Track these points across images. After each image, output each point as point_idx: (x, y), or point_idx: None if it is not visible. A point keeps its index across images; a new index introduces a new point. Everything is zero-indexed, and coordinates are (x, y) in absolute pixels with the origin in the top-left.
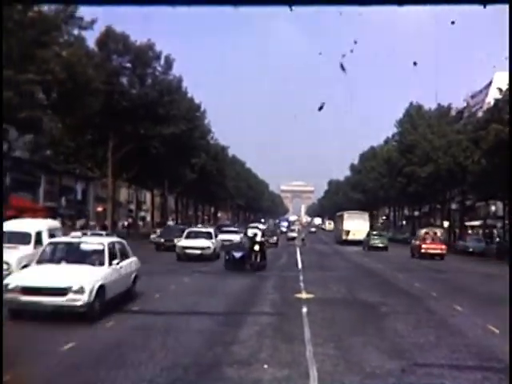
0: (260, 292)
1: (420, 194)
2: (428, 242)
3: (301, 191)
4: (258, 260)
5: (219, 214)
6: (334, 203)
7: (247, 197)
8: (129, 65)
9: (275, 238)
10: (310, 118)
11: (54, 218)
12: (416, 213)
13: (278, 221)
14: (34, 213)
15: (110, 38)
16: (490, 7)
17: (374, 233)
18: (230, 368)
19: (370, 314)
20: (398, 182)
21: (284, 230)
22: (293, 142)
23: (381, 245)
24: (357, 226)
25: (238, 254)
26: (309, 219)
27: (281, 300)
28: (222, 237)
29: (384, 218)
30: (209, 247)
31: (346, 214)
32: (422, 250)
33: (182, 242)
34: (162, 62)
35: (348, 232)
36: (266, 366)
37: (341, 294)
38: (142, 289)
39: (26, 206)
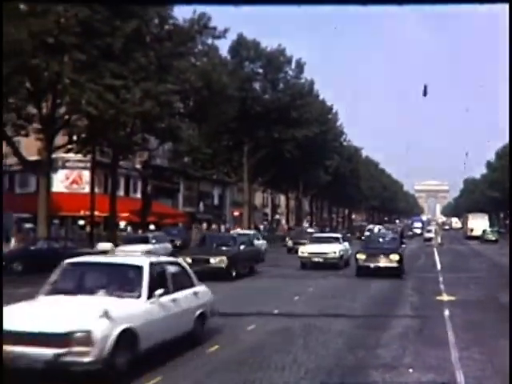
0: (400, 294)
1: None
2: None
3: (436, 190)
4: None
5: (353, 216)
6: (470, 202)
7: (381, 198)
8: (261, 70)
9: (395, 256)
10: (445, 118)
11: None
12: None
13: (410, 221)
14: (173, 218)
15: (241, 46)
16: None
17: (489, 230)
18: (375, 371)
19: None
20: None
21: (418, 231)
22: (427, 142)
23: (492, 238)
24: (478, 224)
25: None
26: (444, 219)
27: (421, 302)
28: (309, 248)
29: None
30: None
31: (470, 215)
32: None
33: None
34: (293, 66)
35: (471, 229)
36: (410, 370)
37: (483, 296)
38: (280, 291)
39: (167, 212)
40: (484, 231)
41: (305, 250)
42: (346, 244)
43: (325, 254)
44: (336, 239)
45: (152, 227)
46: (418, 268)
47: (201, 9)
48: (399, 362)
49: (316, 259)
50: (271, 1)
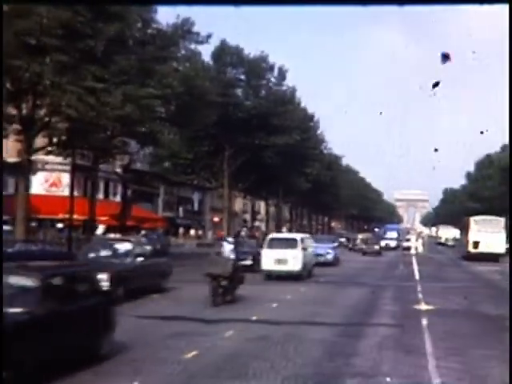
0: (378, 303)
1: None
2: None
3: (416, 200)
4: None
5: (333, 224)
6: (450, 212)
7: (361, 206)
8: (243, 77)
9: None
10: (423, 126)
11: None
12: None
13: (382, 229)
14: (153, 222)
15: (224, 51)
16: None
17: (450, 238)
18: (352, 380)
19: (492, 327)
20: None
21: (392, 244)
22: (407, 151)
23: (451, 244)
24: (445, 234)
25: None
26: (423, 228)
27: (400, 311)
28: None
29: None
30: None
31: (440, 227)
32: None
33: None
34: (276, 73)
35: (440, 238)
36: (388, 379)
37: (461, 306)
38: (257, 299)
39: (146, 216)
40: (446, 239)
41: None
42: None
43: None
44: None
45: (142, 232)
46: (396, 277)
47: (184, 14)
48: (376, 370)
49: None
50: (271, 1)
